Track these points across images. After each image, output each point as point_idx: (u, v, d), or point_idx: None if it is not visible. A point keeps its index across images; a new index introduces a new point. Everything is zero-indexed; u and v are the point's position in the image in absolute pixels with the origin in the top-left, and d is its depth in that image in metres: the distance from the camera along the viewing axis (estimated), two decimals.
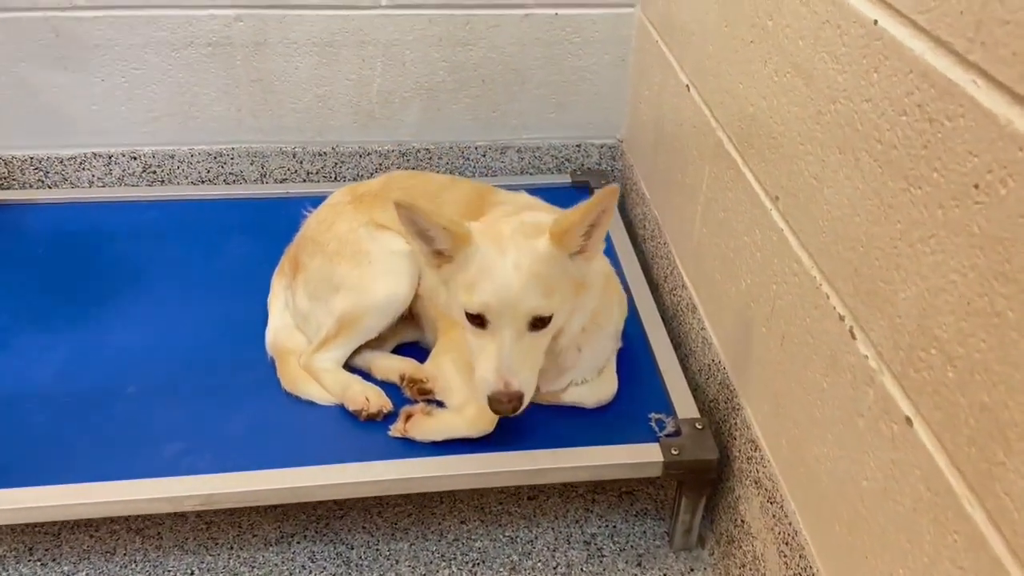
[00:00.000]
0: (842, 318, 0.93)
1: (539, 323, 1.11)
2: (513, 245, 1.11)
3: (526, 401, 1.11)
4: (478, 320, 1.11)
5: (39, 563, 1.35)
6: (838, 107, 0.92)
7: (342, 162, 1.95)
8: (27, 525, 1.39)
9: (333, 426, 1.34)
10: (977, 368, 0.70)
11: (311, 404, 1.37)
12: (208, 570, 1.34)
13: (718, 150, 1.33)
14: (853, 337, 0.91)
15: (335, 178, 1.96)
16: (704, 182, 1.42)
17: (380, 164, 1.96)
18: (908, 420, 0.81)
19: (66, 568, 1.35)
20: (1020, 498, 0.66)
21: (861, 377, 0.89)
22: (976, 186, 0.68)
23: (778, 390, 1.15)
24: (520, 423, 1.33)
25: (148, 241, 1.75)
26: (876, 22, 0.83)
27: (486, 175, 2.00)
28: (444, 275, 1.16)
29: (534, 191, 1.93)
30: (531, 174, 2.01)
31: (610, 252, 1.73)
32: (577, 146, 1.99)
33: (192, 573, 1.34)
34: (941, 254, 0.74)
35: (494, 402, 1.10)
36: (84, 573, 1.34)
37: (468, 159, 1.97)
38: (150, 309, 1.58)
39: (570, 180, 1.96)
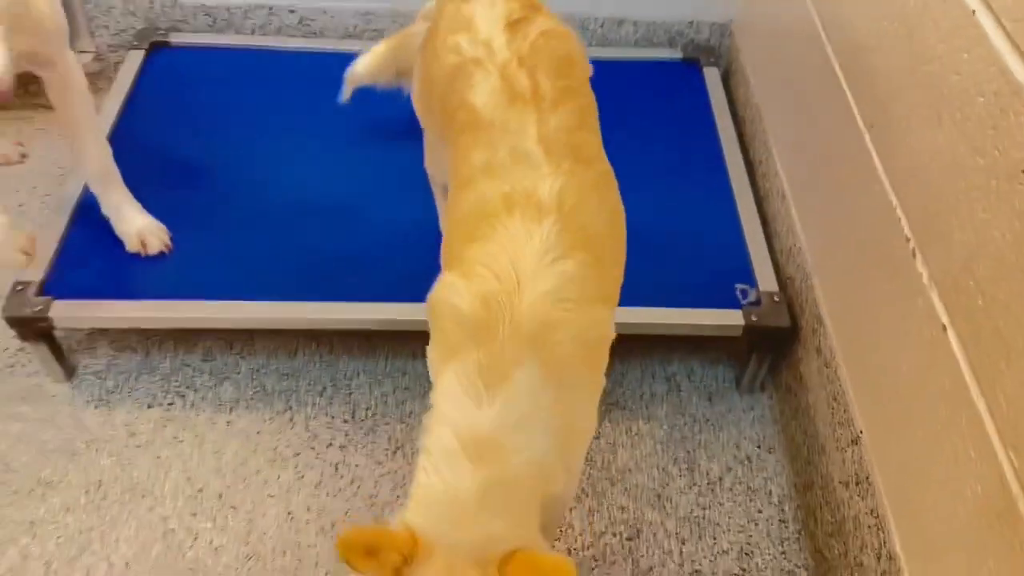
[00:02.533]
0: (908, 239, 1.18)
1: None
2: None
3: None
4: None
5: (238, 356, 1.73)
6: (931, 69, 1.12)
7: None
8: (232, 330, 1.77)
9: None
10: (998, 303, 0.96)
11: None
12: (368, 372, 1.71)
13: (824, 64, 1.51)
14: (914, 256, 1.16)
15: None
16: (807, 87, 1.61)
17: None
18: (944, 328, 1.07)
19: (259, 362, 1.73)
20: (1010, 398, 0.93)
21: (915, 288, 1.15)
22: (1023, 171, 0.91)
23: (846, 282, 1.41)
24: (628, 281, 1.62)
25: (300, 85, 2.01)
26: (974, 12, 1.02)
27: (602, 44, 2.17)
28: None
29: (646, 66, 2.12)
30: (643, 47, 2.19)
31: (710, 129, 1.94)
32: (689, 23, 2.14)
33: (357, 373, 1.71)
34: (989, 215, 0.98)
35: None
36: (273, 367, 1.72)
37: (587, 29, 2.15)
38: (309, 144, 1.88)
39: (681, 55, 2.13)
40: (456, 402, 0.97)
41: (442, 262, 1.16)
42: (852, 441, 1.35)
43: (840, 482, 1.39)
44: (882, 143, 1.28)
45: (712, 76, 2.07)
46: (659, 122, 1.97)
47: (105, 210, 1.65)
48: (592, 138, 1.23)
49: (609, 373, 1.70)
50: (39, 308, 1.53)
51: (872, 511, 1.28)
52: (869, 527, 1.28)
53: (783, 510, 1.54)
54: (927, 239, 1.13)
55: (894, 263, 1.22)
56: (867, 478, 1.30)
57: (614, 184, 1.24)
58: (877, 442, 1.30)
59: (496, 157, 1.14)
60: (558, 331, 1.01)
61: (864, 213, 1.34)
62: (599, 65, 2.10)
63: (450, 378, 0.99)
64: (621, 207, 1.25)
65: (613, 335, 1.14)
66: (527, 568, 0.87)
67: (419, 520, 0.92)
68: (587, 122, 1.23)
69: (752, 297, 1.60)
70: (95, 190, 1.64)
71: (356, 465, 1.58)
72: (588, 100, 1.28)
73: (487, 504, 0.93)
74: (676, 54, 2.14)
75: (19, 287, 1.55)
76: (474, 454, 0.94)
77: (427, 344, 1.10)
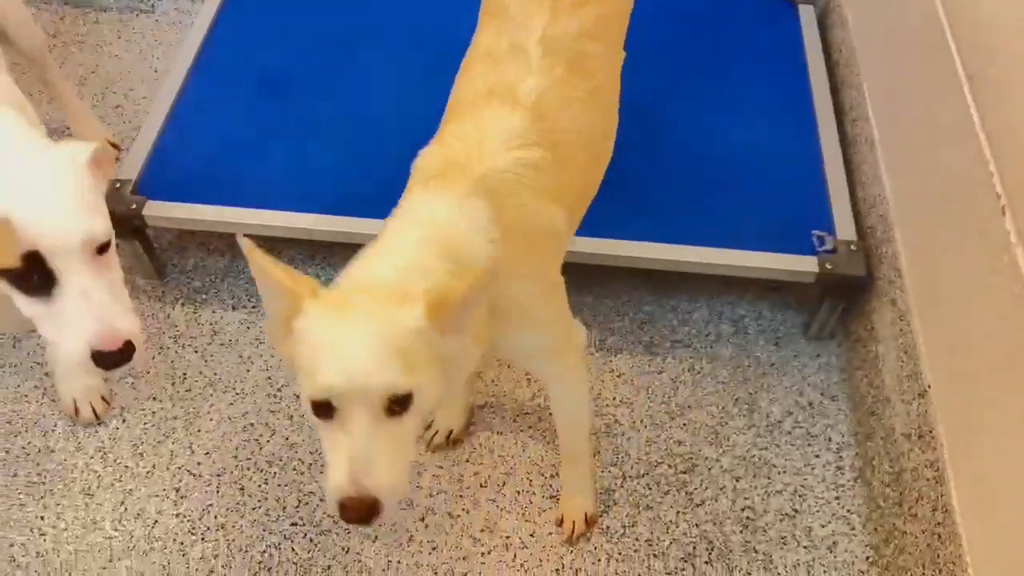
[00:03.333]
0: (999, 196, 1.15)
1: (398, 405, 0.88)
2: (361, 312, 0.89)
3: (387, 509, 0.89)
4: (324, 409, 0.89)
5: (319, 267, 1.79)
6: None
7: None
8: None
9: None
10: None
11: None
12: None
13: (928, 8, 1.46)
14: (1003, 214, 1.14)
15: None
16: (908, 33, 1.56)
17: None
18: None
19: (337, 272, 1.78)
20: None
21: (1001, 245, 1.13)
22: None
23: (928, 235, 1.39)
24: (702, 220, 1.62)
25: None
26: None
27: None
28: (289, 352, 0.93)
29: (738, 0, 2.06)
30: None
31: (801, 70, 1.89)
32: None
33: None
34: None
35: (346, 511, 0.88)
36: None
37: None
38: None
39: None
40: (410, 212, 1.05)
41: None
42: (919, 394, 1.35)
43: (902, 434, 1.39)
44: (982, 96, 1.25)
45: (807, 14, 2.01)
46: (748, 60, 1.93)
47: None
48: (601, 49, 1.21)
49: (676, 309, 1.72)
50: (134, 206, 1.61)
51: (932, 464, 1.28)
52: (927, 479, 1.29)
53: (840, 457, 1.56)
54: (1020, 197, 1.11)
55: (981, 219, 1.20)
56: (930, 431, 1.30)
57: (608, 102, 1.24)
58: (945, 397, 1.29)
59: (497, 46, 1.17)
60: (506, 198, 1.05)
61: (956, 166, 1.31)
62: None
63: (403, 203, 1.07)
64: (609, 126, 1.26)
65: (564, 240, 1.18)
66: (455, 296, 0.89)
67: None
68: (603, 32, 1.21)
69: (829, 245, 1.58)
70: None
71: None
72: (616, 9, 1.24)
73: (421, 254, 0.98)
74: None
75: (117, 184, 1.63)
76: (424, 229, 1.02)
77: None
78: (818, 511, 1.49)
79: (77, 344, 1.03)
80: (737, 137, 1.78)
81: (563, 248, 1.23)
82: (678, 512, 1.49)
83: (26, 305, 1.05)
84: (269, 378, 1.63)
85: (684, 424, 1.59)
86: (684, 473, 1.53)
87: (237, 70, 1.87)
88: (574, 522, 1.43)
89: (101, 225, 1.04)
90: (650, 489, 1.51)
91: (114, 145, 1.87)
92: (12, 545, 1.44)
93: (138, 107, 2.03)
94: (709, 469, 1.54)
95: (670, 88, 1.86)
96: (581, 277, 1.77)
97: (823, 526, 1.48)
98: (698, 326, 1.73)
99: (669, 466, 1.54)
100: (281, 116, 1.80)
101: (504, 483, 1.51)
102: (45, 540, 1.44)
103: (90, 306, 1.02)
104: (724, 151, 1.76)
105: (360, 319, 0.88)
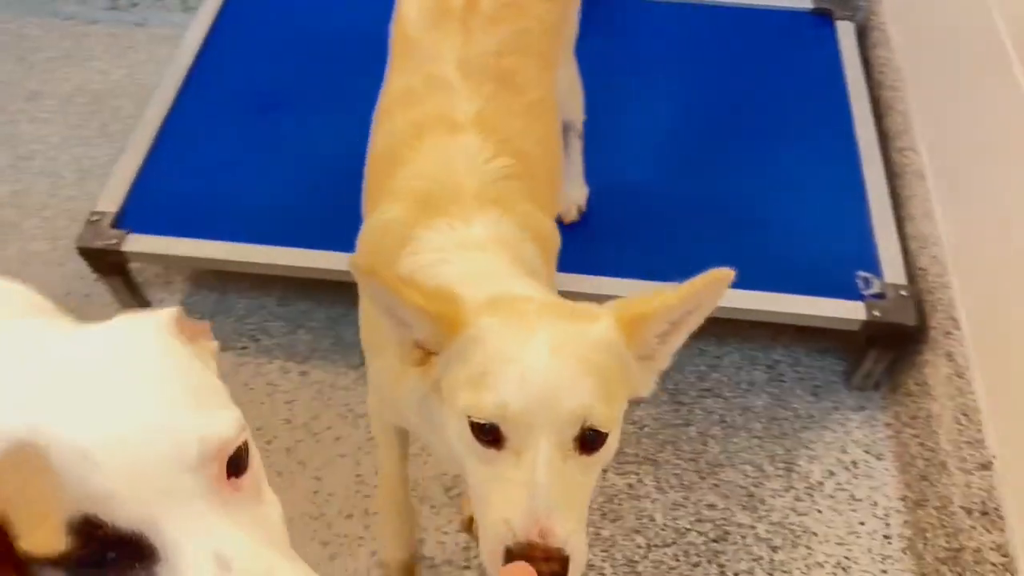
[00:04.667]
0: None
1: (592, 441, 0.72)
2: (547, 323, 0.74)
3: (575, 572, 0.68)
4: (491, 435, 0.71)
5: (314, 303, 1.65)
6: None
7: None
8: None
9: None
10: None
11: None
12: None
13: (988, 27, 1.31)
14: None
15: None
16: (963, 53, 1.41)
17: None
18: None
19: (338, 311, 1.65)
20: None
21: None
22: None
23: (990, 281, 1.24)
24: (735, 260, 1.47)
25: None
26: None
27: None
28: (432, 377, 0.78)
29: (770, 15, 1.92)
30: None
31: (840, 90, 1.75)
32: None
33: None
34: None
35: (521, 556, 0.66)
36: (351, 318, 1.63)
37: None
38: None
39: (811, 5, 1.92)
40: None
41: (364, 211, 1.10)
42: (982, 465, 1.20)
43: (962, 507, 1.24)
44: None
45: (846, 31, 1.86)
46: (781, 80, 1.79)
47: None
48: (530, 63, 1.11)
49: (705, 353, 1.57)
50: (113, 241, 1.47)
51: (999, 547, 1.13)
52: (994, 564, 1.14)
53: (888, 524, 1.41)
54: None
55: None
56: (996, 509, 1.15)
57: (549, 115, 1.14)
58: (1013, 470, 1.14)
59: (413, 83, 1.07)
60: (513, 206, 0.96)
61: (1021, 201, 1.16)
62: (719, 12, 1.93)
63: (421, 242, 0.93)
64: (556, 140, 1.17)
65: (555, 241, 1.07)
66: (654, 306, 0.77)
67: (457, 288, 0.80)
68: (527, 46, 1.11)
69: (875, 288, 1.43)
70: None
71: None
72: (538, 21, 1.14)
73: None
74: (806, 4, 1.93)
75: (95, 218, 1.49)
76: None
77: None
78: None
79: None
80: (771, 168, 1.63)
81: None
82: None
83: None
84: (259, 428, 1.49)
85: (715, 485, 1.44)
86: (715, 542, 1.39)
87: (229, 92, 1.74)
88: None
89: (224, 425, 0.54)
90: (678, 560, 1.37)
91: None
92: None
93: (126, 126, 1.90)
94: (743, 537, 1.39)
95: (698, 118, 1.73)
96: None
97: None
98: (729, 372, 1.58)
99: (699, 533, 1.39)
100: (274, 144, 1.66)
101: None
102: None
103: None
104: (758, 183, 1.62)
105: (550, 330, 0.73)
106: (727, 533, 1.39)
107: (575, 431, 0.70)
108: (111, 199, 1.52)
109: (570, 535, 0.68)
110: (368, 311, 0.98)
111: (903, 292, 1.42)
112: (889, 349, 1.45)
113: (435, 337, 0.76)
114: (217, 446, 0.52)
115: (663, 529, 1.40)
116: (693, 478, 1.45)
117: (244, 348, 1.59)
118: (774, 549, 1.38)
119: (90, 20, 2.12)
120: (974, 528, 1.20)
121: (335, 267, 1.47)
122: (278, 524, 0.56)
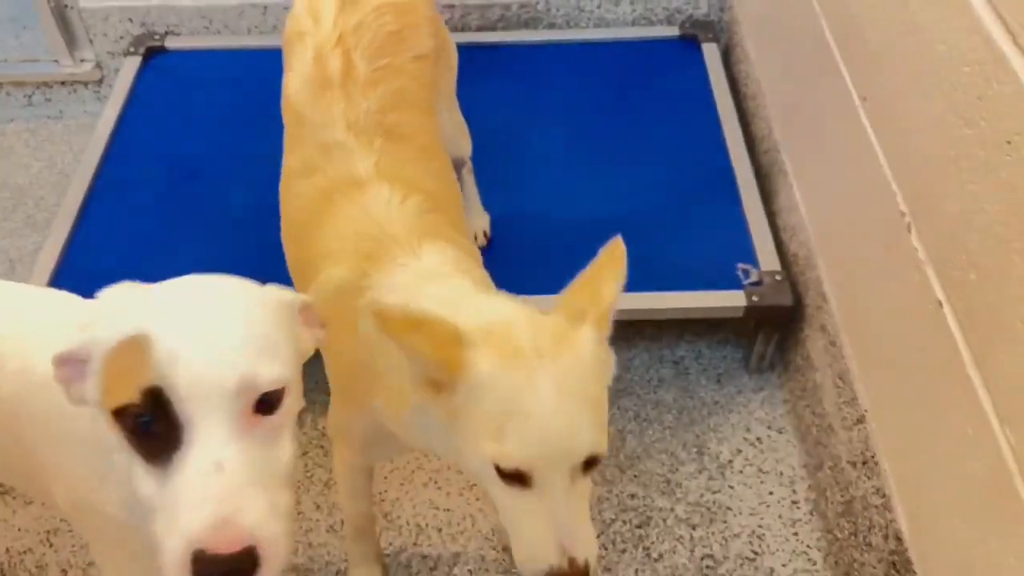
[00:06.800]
0: (903, 214, 1.15)
1: (592, 462, 0.82)
2: (547, 361, 0.81)
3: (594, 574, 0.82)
4: (515, 477, 0.80)
5: None
6: (919, 38, 1.09)
7: (468, 13, 2.13)
8: None
9: None
10: (991, 278, 0.93)
11: None
12: None
13: (819, 35, 1.48)
14: (909, 231, 1.13)
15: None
16: (804, 61, 1.58)
17: (501, 15, 2.13)
18: (939, 304, 1.05)
19: None
20: (1005, 374, 0.91)
21: (910, 263, 1.13)
22: (1008, 142, 0.88)
23: (848, 258, 1.38)
24: (629, 267, 1.60)
25: None
26: None
27: (600, 26, 2.14)
28: (446, 407, 0.85)
29: (642, 45, 2.09)
30: (642, 25, 2.15)
31: (710, 105, 1.91)
32: None
33: None
34: (978, 187, 0.95)
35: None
36: None
37: (583, 10, 2.12)
38: None
39: (679, 32, 2.10)
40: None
41: (294, 282, 1.16)
42: (858, 420, 1.33)
43: (848, 462, 1.37)
44: (876, 116, 1.25)
45: (711, 52, 2.04)
46: (658, 102, 1.94)
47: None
48: (411, 116, 1.20)
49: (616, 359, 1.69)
50: None
51: (879, 491, 1.26)
52: (876, 507, 1.26)
53: (794, 491, 1.53)
54: (920, 214, 1.11)
55: (891, 238, 1.19)
56: (872, 457, 1.28)
57: (440, 155, 1.24)
58: (882, 421, 1.27)
59: (309, 155, 1.14)
60: (435, 235, 1.04)
61: (862, 187, 1.31)
62: (596, 48, 2.10)
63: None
64: (451, 175, 1.25)
65: (481, 262, 1.14)
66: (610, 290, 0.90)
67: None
68: (406, 100, 1.21)
69: (754, 277, 1.57)
70: None
71: None
72: (412, 78, 1.24)
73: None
74: (673, 32, 2.10)
75: None
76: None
77: None
78: (778, 550, 1.45)
79: (176, 539, 0.65)
80: (654, 180, 1.78)
81: None
82: (636, 570, 1.44)
83: (143, 480, 0.70)
84: None
85: (635, 476, 1.55)
86: (639, 527, 1.49)
87: (144, 169, 1.84)
88: None
89: (270, 371, 0.70)
90: (606, 549, 1.47)
91: None
92: None
93: (49, 215, 1.99)
94: (664, 520, 1.50)
95: (587, 143, 1.87)
96: None
97: (784, 565, 1.44)
98: (639, 372, 1.71)
99: (624, 522, 1.50)
100: (193, 213, 1.76)
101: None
102: None
103: (219, 484, 0.66)
104: (644, 196, 1.76)
105: (551, 368, 0.80)
106: (649, 518, 1.50)
107: (582, 462, 0.81)
108: (39, 279, 1.60)
109: (588, 549, 0.81)
110: (351, 362, 1.05)
111: (778, 277, 1.57)
112: (774, 329, 1.59)
113: (447, 377, 0.82)
114: (251, 385, 0.69)
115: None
116: (614, 472, 1.56)
117: None
118: (693, 527, 1.49)
119: (7, 119, 2.21)
120: (859, 478, 1.33)
121: None
122: (280, 464, 0.72)
